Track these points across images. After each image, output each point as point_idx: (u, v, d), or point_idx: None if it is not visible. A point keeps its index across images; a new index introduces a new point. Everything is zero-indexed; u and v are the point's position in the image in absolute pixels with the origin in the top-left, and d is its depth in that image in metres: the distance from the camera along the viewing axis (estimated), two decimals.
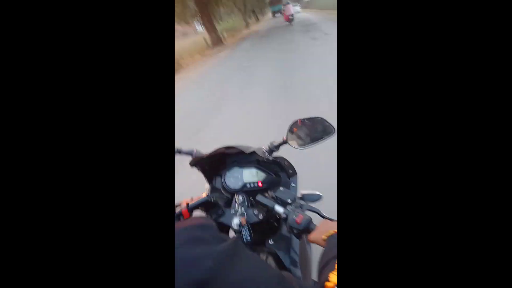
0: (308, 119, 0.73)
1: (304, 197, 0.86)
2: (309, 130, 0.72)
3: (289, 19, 13.55)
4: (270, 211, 0.65)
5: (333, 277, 0.37)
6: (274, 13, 27.03)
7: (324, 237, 0.50)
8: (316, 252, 0.72)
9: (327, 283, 0.37)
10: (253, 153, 0.76)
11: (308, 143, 0.72)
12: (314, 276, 0.79)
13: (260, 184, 0.79)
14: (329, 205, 0.75)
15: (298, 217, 0.57)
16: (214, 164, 0.83)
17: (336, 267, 0.39)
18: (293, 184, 0.79)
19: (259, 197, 0.66)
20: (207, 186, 0.86)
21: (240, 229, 0.68)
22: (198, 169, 0.80)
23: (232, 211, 0.72)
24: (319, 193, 0.88)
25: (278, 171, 0.81)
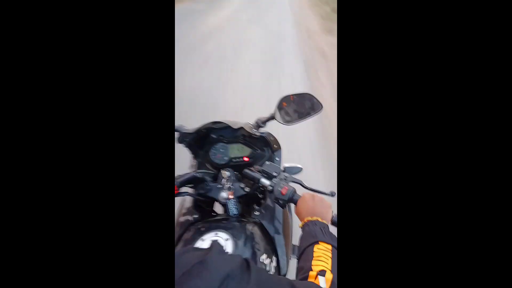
0: (297, 95, 0.72)
1: (286, 170, 0.90)
2: (297, 106, 0.72)
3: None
4: (256, 184, 0.68)
5: (315, 266, 0.42)
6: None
7: (300, 225, 0.55)
8: (296, 219, 0.79)
9: (311, 272, 0.41)
10: (240, 128, 0.75)
11: (296, 119, 0.72)
12: (295, 241, 0.87)
13: (245, 159, 0.80)
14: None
15: (283, 189, 0.61)
16: (199, 140, 0.82)
17: (313, 255, 0.44)
18: (277, 158, 0.81)
19: (246, 171, 0.68)
20: (193, 162, 0.86)
21: (226, 202, 0.71)
22: (184, 145, 0.79)
23: (219, 186, 0.73)
24: (300, 166, 0.93)
25: (263, 146, 0.82)
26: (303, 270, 0.43)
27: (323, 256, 0.44)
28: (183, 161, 0.86)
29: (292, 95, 0.73)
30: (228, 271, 0.28)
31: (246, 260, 0.32)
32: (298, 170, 0.92)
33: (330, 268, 0.41)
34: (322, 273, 0.40)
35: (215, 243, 0.37)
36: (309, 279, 0.40)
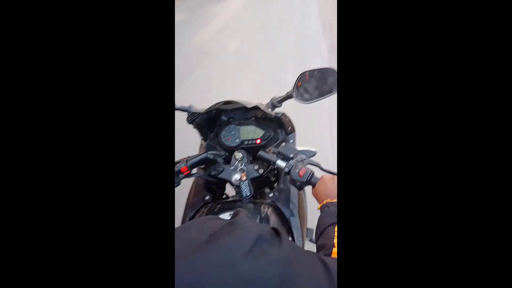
0: (318, 70, 0.66)
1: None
2: (318, 83, 0.66)
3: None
4: (271, 166, 0.65)
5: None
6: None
7: (319, 207, 0.54)
8: (310, 202, 0.76)
9: (335, 249, 0.39)
10: (252, 109, 0.71)
11: (316, 97, 0.67)
12: (310, 224, 0.85)
13: (258, 141, 0.77)
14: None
15: (301, 171, 0.58)
16: (209, 121, 0.78)
17: (335, 234, 0.43)
18: (291, 141, 0.78)
19: (261, 153, 0.65)
20: (202, 143, 0.83)
21: (240, 184, 0.69)
22: (194, 126, 0.75)
23: (232, 167, 0.71)
24: (314, 150, 0.89)
25: (276, 128, 0.78)
26: (326, 247, 0.41)
27: None
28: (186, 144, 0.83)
29: (309, 71, 0.67)
30: (259, 233, 0.26)
31: (274, 228, 0.30)
32: (312, 154, 0.89)
33: None
34: None
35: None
36: (333, 256, 0.38)
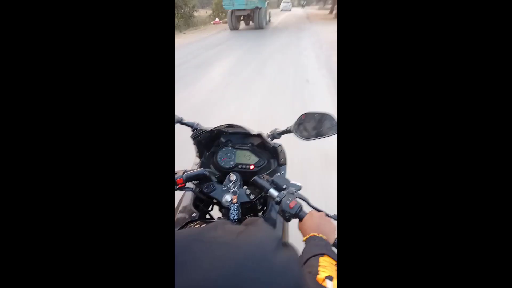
0: (318, 113, 0.73)
1: None
2: (316, 124, 0.73)
3: None
4: (263, 193, 0.67)
5: (322, 272, 0.41)
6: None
7: (304, 239, 0.56)
8: (292, 235, 0.77)
9: (318, 276, 0.41)
10: (249, 136, 0.75)
11: (313, 136, 0.73)
12: None
13: (251, 167, 0.80)
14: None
15: (291, 202, 0.61)
16: (209, 140, 0.82)
17: (319, 264, 0.44)
18: (282, 172, 0.81)
19: (257, 178, 0.68)
20: (196, 160, 0.84)
21: (229, 206, 0.70)
22: (194, 142, 0.78)
23: (224, 188, 0.72)
24: (300, 184, 0.93)
25: (270, 158, 0.83)
26: (310, 274, 0.42)
27: (329, 267, 0.43)
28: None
29: (310, 112, 0.75)
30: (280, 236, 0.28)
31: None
32: (298, 188, 0.92)
33: (336, 277, 0.40)
34: (330, 278, 0.39)
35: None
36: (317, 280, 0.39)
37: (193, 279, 0.22)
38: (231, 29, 10.88)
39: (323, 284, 0.38)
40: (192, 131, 0.78)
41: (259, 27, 10.76)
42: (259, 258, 0.25)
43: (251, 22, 11.58)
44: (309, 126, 0.73)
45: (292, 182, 0.92)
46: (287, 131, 0.77)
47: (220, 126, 0.75)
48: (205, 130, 0.76)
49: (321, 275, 0.40)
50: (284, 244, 0.30)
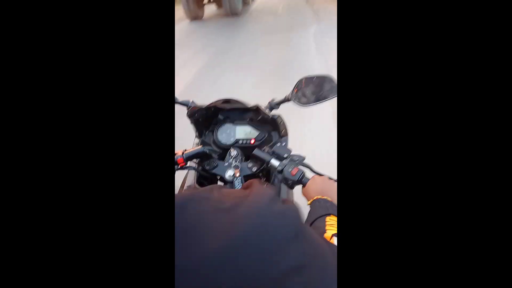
0: (317, 76, 0.69)
1: None
2: (315, 88, 0.69)
3: None
4: (264, 165, 0.67)
5: (329, 230, 0.41)
6: None
7: (308, 202, 0.56)
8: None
9: (325, 234, 0.41)
10: (248, 110, 0.73)
11: (312, 101, 0.70)
12: None
13: (252, 142, 0.79)
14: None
15: (293, 170, 0.61)
16: (206, 118, 0.80)
17: (326, 223, 0.44)
18: (284, 144, 0.80)
19: (257, 151, 0.67)
20: (196, 140, 0.83)
21: (233, 180, 0.70)
22: (191, 121, 0.77)
23: (226, 164, 0.72)
24: (303, 155, 0.92)
25: (271, 130, 0.81)
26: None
27: (336, 225, 0.43)
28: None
29: (308, 77, 0.70)
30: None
31: None
32: (302, 158, 0.92)
33: None
34: (336, 235, 0.39)
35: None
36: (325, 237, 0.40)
37: (194, 252, 0.21)
38: (191, 20, 6.44)
39: (331, 241, 0.38)
40: (187, 109, 0.75)
41: (231, 12, 6.39)
42: (256, 208, 0.24)
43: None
44: (308, 91, 0.70)
45: (293, 153, 0.91)
46: (285, 100, 0.74)
47: (216, 102, 0.73)
48: (200, 107, 0.74)
49: (328, 233, 0.40)
50: (284, 201, 0.29)
